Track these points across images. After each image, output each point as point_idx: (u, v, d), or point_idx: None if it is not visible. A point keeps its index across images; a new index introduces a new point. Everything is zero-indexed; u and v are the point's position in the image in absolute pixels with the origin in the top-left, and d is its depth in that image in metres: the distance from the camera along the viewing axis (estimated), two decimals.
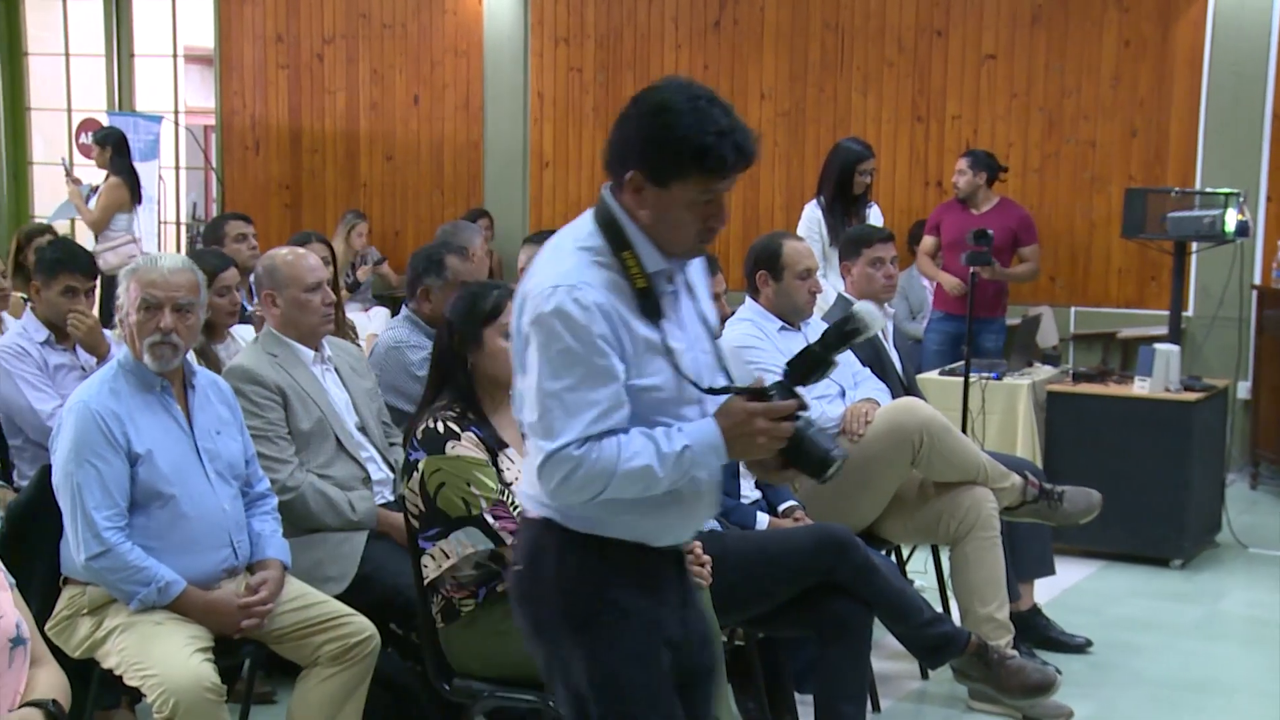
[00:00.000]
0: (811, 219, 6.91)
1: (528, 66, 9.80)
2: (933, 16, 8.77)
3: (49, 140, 11.45)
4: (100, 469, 3.44)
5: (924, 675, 4.85)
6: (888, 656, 4.81)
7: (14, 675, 2.59)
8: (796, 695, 4.34)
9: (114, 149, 9.02)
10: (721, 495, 4.19)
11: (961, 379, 6.09)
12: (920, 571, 5.41)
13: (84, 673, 3.44)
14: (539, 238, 5.58)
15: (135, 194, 9.00)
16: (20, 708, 2.56)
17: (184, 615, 3.47)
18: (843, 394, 4.74)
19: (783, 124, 9.23)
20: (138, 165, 9.52)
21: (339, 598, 3.76)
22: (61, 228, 9.60)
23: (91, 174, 9.49)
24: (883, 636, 4.27)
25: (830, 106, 9.08)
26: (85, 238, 9.19)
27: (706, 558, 3.50)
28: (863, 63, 8.97)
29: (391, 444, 4.46)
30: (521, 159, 9.89)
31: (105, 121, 10.56)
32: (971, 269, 6.13)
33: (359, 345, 5.32)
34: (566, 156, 9.84)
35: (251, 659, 3.89)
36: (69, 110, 11.25)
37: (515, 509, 3.38)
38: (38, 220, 10.35)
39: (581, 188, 9.77)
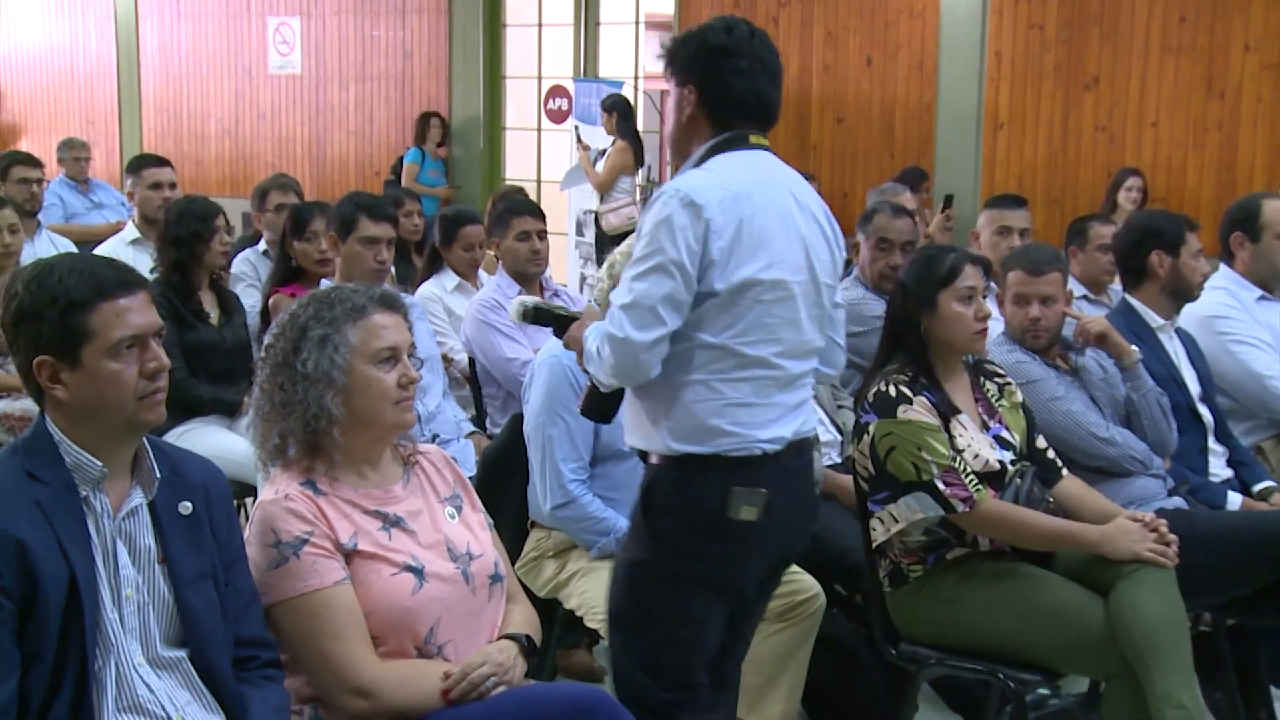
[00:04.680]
0: None
1: (985, 24, 9.52)
2: None
3: (520, 106, 12.16)
4: (569, 423, 3.62)
5: None
6: None
7: (493, 609, 2.76)
8: (1273, 689, 4.04)
9: (620, 114, 9.60)
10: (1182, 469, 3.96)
11: None
12: None
13: (548, 612, 3.65)
14: (1000, 201, 5.43)
15: (639, 157, 9.53)
16: (498, 639, 2.72)
17: None
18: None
19: (1268, 78, 8.54)
20: (595, 128, 10.00)
21: None
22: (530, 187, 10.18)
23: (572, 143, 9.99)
24: None
25: None
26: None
27: (1172, 536, 3.30)
28: None
29: (839, 406, 4.46)
30: (975, 120, 9.63)
31: (571, 88, 11.09)
32: None
33: None
34: (1023, 117, 9.50)
35: None
36: (539, 77, 11.89)
37: (967, 475, 3.31)
38: (509, 183, 11.02)
39: (1038, 150, 9.42)
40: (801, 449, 2.95)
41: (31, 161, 7.29)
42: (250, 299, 5.44)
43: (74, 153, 8.78)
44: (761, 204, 2.85)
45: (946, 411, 3.43)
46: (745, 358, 2.83)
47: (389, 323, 2.68)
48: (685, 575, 2.84)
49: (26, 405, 5.00)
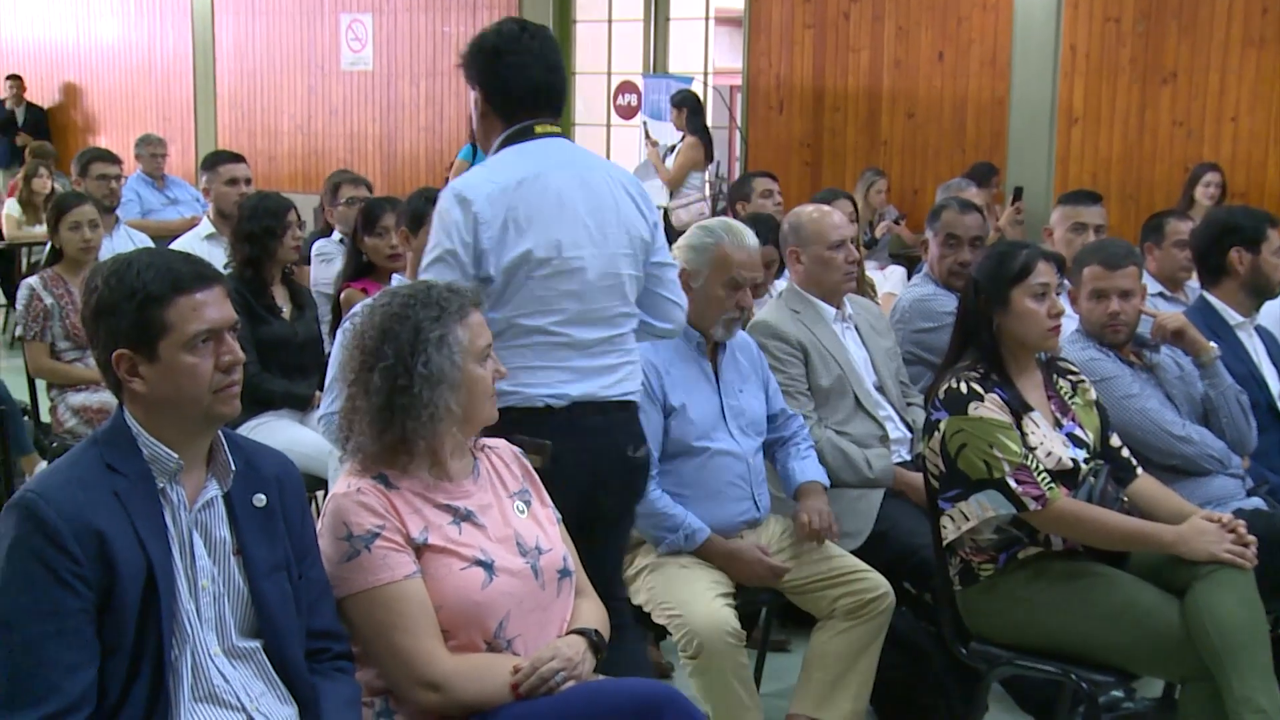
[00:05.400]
0: None
1: (1060, 18, 9.41)
2: None
3: (589, 102, 12.18)
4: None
5: None
6: None
7: (561, 604, 2.77)
8: None
9: (690, 110, 9.61)
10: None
11: None
12: None
13: None
14: (1074, 197, 5.36)
15: (709, 153, 9.53)
16: (567, 634, 2.73)
17: (707, 561, 3.61)
18: None
19: None
20: (664, 124, 10.00)
21: (854, 554, 3.79)
22: None
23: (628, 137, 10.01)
24: None
25: None
26: None
27: (1251, 538, 3.24)
28: None
29: (909, 404, 4.43)
30: (1049, 115, 9.53)
31: (640, 84, 11.10)
32: None
33: (877, 303, 5.32)
34: (1098, 112, 9.38)
35: (768, 607, 4.00)
36: (609, 73, 11.91)
37: (1040, 474, 3.28)
38: None
39: (1113, 145, 9.30)
40: (605, 409, 3.24)
41: (110, 158, 7.41)
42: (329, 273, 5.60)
43: (151, 149, 8.91)
44: (534, 190, 3.20)
45: (1019, 409, 3.40)
46: (523, 328, 3.19)
47: (483, 320, 2.74)
48: None
49: (104, 398, 5.09)
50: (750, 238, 3.75)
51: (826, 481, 3.86)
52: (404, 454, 2.66)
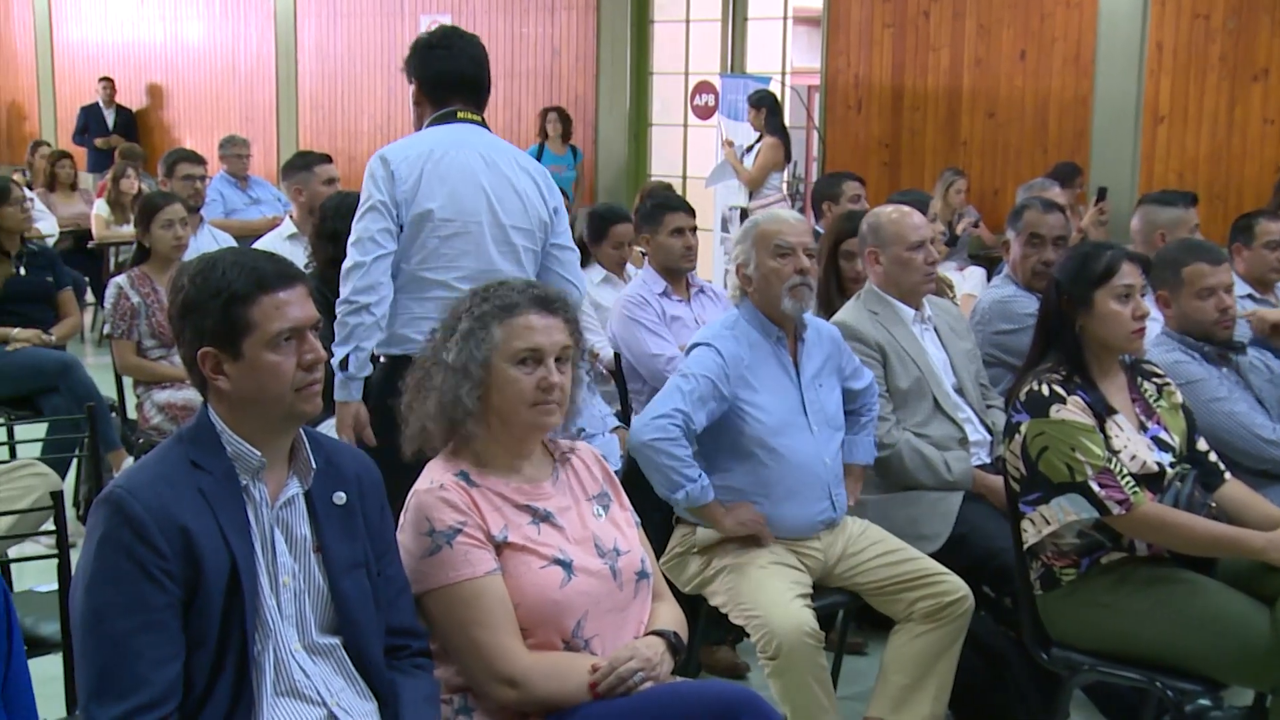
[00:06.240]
0: None
1: (1146, 15, 9.26)
2: None
3: (666, 102, 12.18)
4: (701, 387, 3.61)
5: None
6: None
7: (639, 605, 2.77)
8: None
9: (769, 110, 9.58)
10: None
11: None
12: None
13: (692, 609, 3.64)
14: (1158, 198, 5.28)
15: (788, 153, 9.52)
16: (645, 635, 2.73)
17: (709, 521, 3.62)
18: None
19: None
20: (740, 124, 9.98)
21: (933, 556, 3.75)
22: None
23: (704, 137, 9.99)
24: None
25: None
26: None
27: None
28: None
29: (989, 406, 4.38)
30: (1134, 114, 9.38)
31: (718, 84, 11.08)
32: None
33: (956, 303, 5.27)
34: (1185, 110, 9.22)
35: (845, 610, 3.97)
36: (686, 73, 11.90)
37: (1124, 477, 3.23)
38: (655, 179, 11.06)
39: (1201, 144, 9.14)
40: None
41: (195, 158, 7.53)
42: None
43: (235, 149, 9.03)
44: (445, 160, 3.88)
45: (1102, 411, 3.35)
46: (427, 281, 3.84)
47: (540, 324, 2.68)
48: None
49: (189, 395, 5.17)
50: (786, 211, 3.75)
51: (869, 461, 3.93)
52: (467, 450, 2.69)
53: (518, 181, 3.97)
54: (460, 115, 3.98)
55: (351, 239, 3.84)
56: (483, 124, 4.03)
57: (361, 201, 3.87)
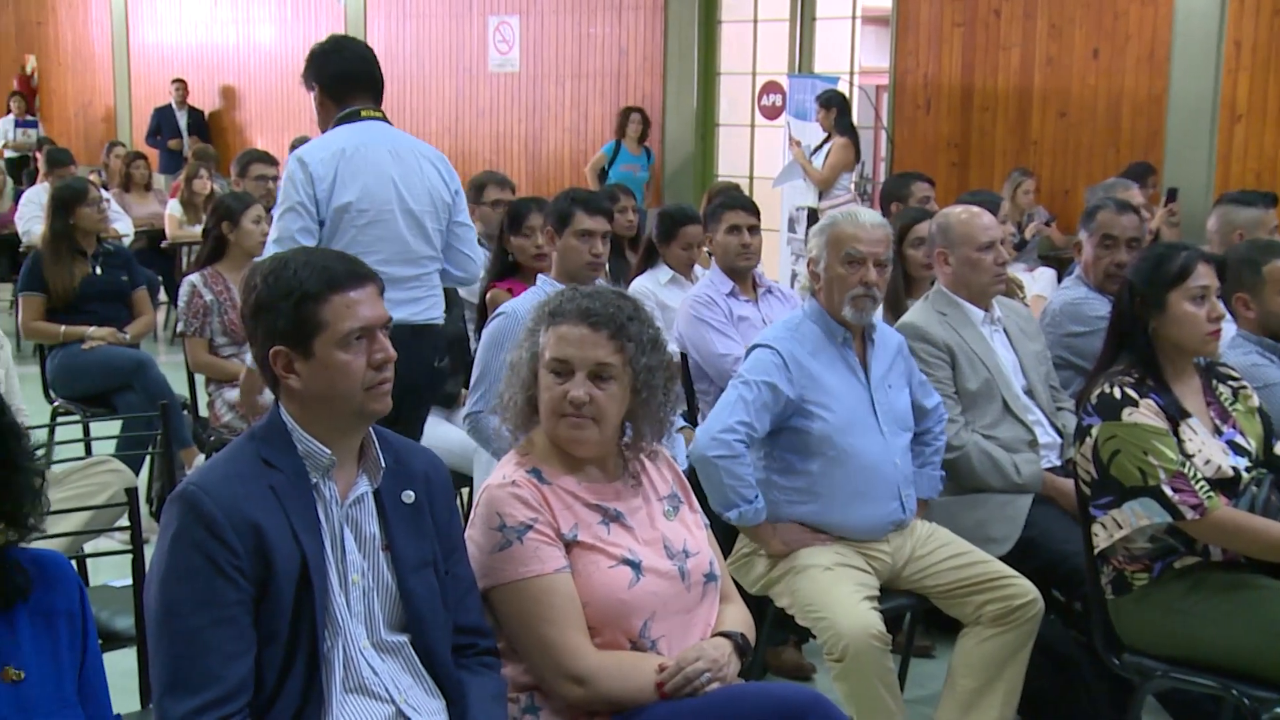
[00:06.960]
0: None
1: (1224, 12, 9.11)
2: None
3: (733, 102, 12.15)
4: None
5: None
6: None
7: (707, 607, 2.77)
8: None
9: (839, 110, 9.55)
10: None
11: None
12: None
13: (758, 610, 3.63)
14: (1237, 198, 5.20)
15: (858, 153, 9.49)
16: (712, 637, 2.72)
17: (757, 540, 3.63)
18: None
19: None
20: (808, 125, 9.93)
21: (1002, 559, 3.72)
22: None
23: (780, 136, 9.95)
24: None
25: None
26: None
27: None
28: None
29: (1059, 408, 4.34)
30: (1210, 113, 9.22)
31: (785, 84, 11.03)
32: None
33: (1026, 304, 5.21)
34: (1264, 109, 9.06)
35: (913, 612, 3.94)
36: (753, 73, 11.86)
37: (1198, 481, 3.18)
38: (721, 179, 11.03)
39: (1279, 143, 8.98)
40: (417, 331, 4.32)
41: (268, 159, 7.62)
42: None
43: None
44: (356, 155, 4.29)
45: (1176, 415, 3.30)
46: None
47: (575, 335, 2.66)
48: None
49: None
50: (867, 215, 3.71)
51: (934, 495, 3.90)
52: (536, 447, 2.73)
53: (422, 170, 4.44)
54: (364, 114, 4.39)
55: (272, 236, 4.29)
56: (384, 119, 4.45)
57: (280, 202, 4.25)
